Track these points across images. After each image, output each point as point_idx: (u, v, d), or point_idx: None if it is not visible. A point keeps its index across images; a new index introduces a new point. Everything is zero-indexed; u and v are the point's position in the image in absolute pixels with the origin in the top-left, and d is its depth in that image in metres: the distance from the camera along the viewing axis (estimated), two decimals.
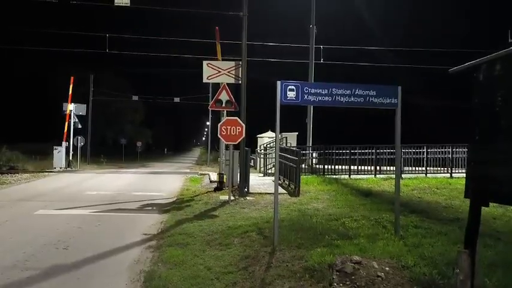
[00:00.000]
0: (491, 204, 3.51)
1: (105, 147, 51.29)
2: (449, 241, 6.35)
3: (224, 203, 11.18)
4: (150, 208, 11.33)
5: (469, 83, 3.58)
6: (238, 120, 11.53)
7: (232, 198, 11.57)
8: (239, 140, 11.67)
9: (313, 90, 6.20)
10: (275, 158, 6.50)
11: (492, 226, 7.58)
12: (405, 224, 7.48)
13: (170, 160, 58.04)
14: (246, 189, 12.74)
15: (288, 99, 6.14)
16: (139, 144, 54.41)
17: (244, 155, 12.87)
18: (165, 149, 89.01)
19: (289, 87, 6.15)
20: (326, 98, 6.24)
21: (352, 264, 4.82)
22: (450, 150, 17.39)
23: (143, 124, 69.54)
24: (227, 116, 12.96)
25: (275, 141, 6.36)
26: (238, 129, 11.38)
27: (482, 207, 3.43)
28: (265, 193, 12.85)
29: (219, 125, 11.51)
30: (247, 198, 11.98)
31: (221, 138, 11.62)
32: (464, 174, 17.58)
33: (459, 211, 9.33)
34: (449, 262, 5.19)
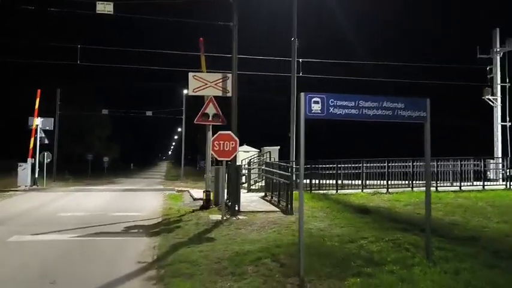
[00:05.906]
0: None
1: (70, 164, 49.02)
2: (483, 264, 5.93)
3: (217, 224, 10.42)
4: (136, 231, 10.43)
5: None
6: (232, 134, 10.85)
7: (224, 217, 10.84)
8: (232, 156, 10.99)
9: (339, 103, 5.65)
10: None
11: None
12: (424, 245, 7.00)
13: (138, 175, 56.31)
14: (237, 208, 12.01)
15: (313, 113, 5.56)
16: (106, 159, 52.39)
17: (236, 171, 12.17)
18: (131, 164, 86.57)
19: (314, 99, 5.58)
20: (353, 111, 5.71)
21: None
22: (435, 164, 17.29)
23: (109, 139, 67.42)
24: (212, 130, 12.33)
25: (300, 158, 5.77)
26: (232, 144, 10.70)
27: None
28: (257, 211, 12.15)
29: (211, 140, 10.80)
30: (240, 217, 11.24)
31: (214, 154, 10.87)
32: (450, 188, 17.36)
33: (467, 228, 9.07)
34: None
